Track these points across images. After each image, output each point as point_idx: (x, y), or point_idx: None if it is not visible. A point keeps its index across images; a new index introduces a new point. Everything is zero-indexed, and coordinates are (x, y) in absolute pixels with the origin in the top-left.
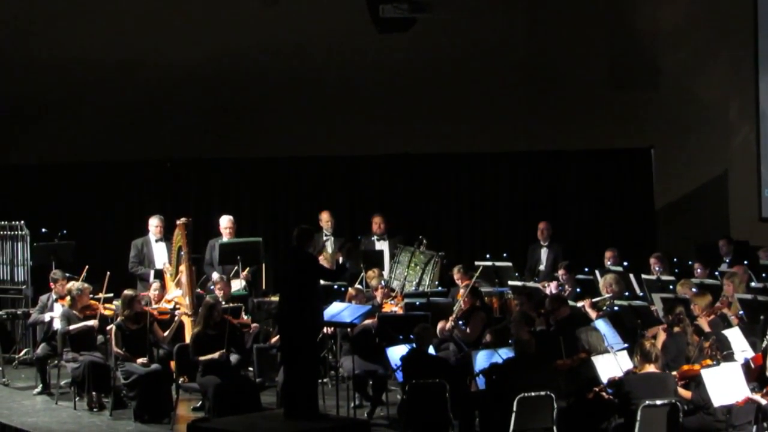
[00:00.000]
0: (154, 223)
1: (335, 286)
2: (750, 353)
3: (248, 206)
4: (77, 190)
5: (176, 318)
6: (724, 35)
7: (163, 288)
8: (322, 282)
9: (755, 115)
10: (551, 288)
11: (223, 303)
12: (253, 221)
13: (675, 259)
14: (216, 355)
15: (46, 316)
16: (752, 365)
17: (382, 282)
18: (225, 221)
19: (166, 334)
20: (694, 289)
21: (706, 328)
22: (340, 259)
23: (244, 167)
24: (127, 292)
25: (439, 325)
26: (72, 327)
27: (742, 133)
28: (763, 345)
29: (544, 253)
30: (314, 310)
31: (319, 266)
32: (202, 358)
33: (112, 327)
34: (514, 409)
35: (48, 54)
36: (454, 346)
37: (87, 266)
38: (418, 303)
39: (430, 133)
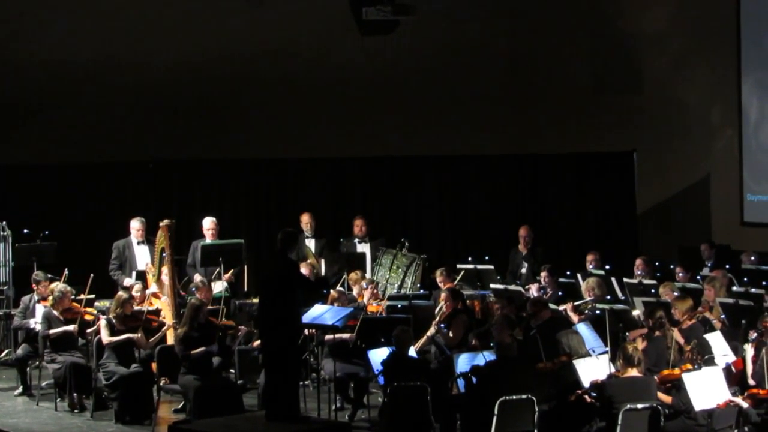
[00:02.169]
0: (135, 226)
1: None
2: (731, 357)
3: (231, 208)
4: (59, 191)
5: (164, 327)
6: (707, 40)
7: (145, 289)
8: None
9: (737, 120)
10: (532, 291)
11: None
12: (236, 223)
13: (657, 263)
14: (212, 347)
15: (31, 322)
16: (734, 369)
17: (364, 284)
18: (208, 223)
19: (150, 341)
20: (676, 293)
21: (681, 340)
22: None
23: (226, 169)
24: (122, 293)
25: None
26: (51, 331)
27: (725, 137)
28: (745, 349)
29: (525, 257)
30: (295, 312)
31: (299, 275)
32: (193, 351)
33: (100, 321)
34: (496, 412)
35: (30, 55)
36: (435, 349)
37: (66, 269)
38: (399, 305)
39: (413, 136)
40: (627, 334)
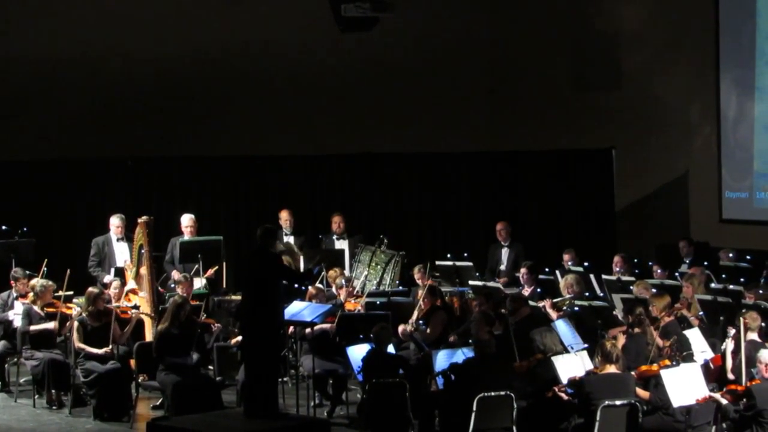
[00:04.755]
0: (115, 223)
1: (296, 285)
2: (710, 354)
3: (209, 205)
4: (38, 188)
5: (133, 316)
6: (685, 37)
7: (123, 286)
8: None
9: (716, 117)
10: (500, 284)
11: None
12: (215, 220)
13: (635, 260)
14: (190, 359)
15: (10, 314)
16: (712, 366)
17: (343, 281)
18: (186, 220)
19: (124, 331)
20: (653, 290)
21: (659, 341)
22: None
23: (205, 165)
24: (92, 289)
25: (400, 328)
26: (32, 328)
27: (703, 135)
28: (723, 346)
29: (504, 253)
30: (275, 309)
31: (284, 268)
32: (170, 358)
33: (74, 322)
34: (474, 408)
35: (8, 52)
36: (414, 345)
37: (45, 260)
38: (378, 302)
39: (392, 133)
40: (606, 332)
